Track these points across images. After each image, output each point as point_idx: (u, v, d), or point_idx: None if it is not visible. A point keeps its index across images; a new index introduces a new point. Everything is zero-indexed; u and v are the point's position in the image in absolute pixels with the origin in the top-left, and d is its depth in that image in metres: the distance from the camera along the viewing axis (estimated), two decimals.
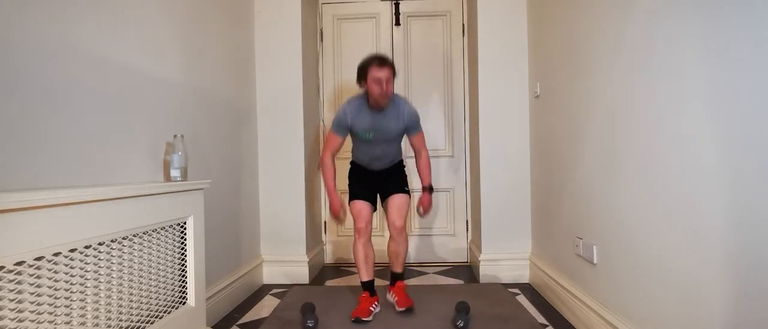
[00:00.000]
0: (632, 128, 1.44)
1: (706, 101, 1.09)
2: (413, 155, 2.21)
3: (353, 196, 2.11)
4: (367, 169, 2.16)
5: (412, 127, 2.07)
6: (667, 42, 1.24)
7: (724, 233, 1.04)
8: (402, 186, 2.14)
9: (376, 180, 2.17)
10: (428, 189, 2.14)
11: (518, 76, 2.63)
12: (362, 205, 2.08)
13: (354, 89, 3.15)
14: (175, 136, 1.59)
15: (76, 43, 1.23)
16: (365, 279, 2.08)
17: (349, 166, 2.26)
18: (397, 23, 3.15)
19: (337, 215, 2.09)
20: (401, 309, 2.05)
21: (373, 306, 2.03)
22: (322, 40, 3.19)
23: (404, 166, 2.27)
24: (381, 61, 1.88)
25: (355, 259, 2.08)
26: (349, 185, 2.19)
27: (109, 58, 1.37)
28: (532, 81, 2.53)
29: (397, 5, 3.15)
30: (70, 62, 1.21)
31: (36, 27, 1.10)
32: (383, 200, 2.17)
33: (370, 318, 1.97)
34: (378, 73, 1.85)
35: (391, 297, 2.17)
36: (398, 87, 3.14)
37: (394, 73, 1.93)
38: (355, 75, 1.96)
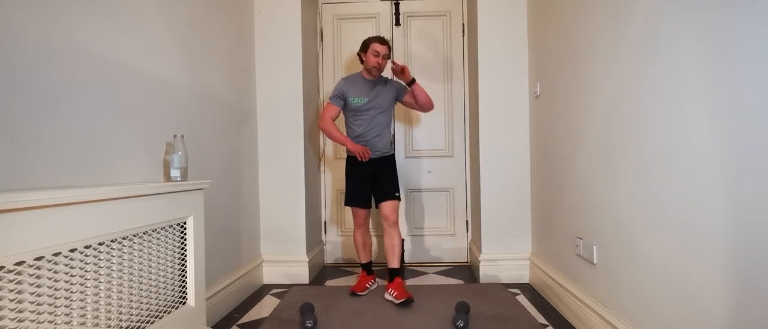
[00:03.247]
0: (632, 128, 1.44)
1: (706, 100, 1.09)
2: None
3: (349, 202, 2.40)
4: (362, 161, 2.32)
5: (402, 89, 2.44)
6: (666, 41, 1.24)
7: (724, 233, 1.04)
8: (393, 193, 2.36)
9: (371, 180, 2.38)
10: (410, 81, 2.34)
11: (518, 76, 2.63)
12: (358, 210, 2.41)
13: None
14: (175, 136, 1.59)
15: (76, 44, 1.23)
16: (363, 261, 2.48)
17: (345, 164, 2.45)
18: (397, 23, 3.15)
19: (360, 150, 2.31)
20: (399, 301, 2.12)
21: (369, 283, 2.41)
22: (322, 40, 3.19)
23: (395, 163, 2.49)
24: (382, 40, 2.32)
25: (355, 245, 2.47)
26: (346, 187, 2.43)
27: (110, 59, 1.37)
28: (532, 81, 2.53)
29: (397, 5, 3.15)
30: (70, 62, 1.21)
31: (36, 27, 1.10)
32: (377, 203, 2.38)
33: (365, 293, 2.34)
34: (378, 47, 2.29)
35: (390, 294, 2.20)
36: None
37: (389, 56, 2.35)
38: (359, 52, 2.38)
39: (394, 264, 2.29)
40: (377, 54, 2.28)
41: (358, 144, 2.32)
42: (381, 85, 2.39)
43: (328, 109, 2.37)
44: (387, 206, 2.32)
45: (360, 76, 2.39)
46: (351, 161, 2.41)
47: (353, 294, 2.31)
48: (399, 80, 2.41)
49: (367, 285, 2.39)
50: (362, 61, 2.38)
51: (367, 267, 2.47)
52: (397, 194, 2.36)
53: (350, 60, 3.17)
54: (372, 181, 2.38)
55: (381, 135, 2.38)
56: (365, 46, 2.33)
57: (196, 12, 1.95)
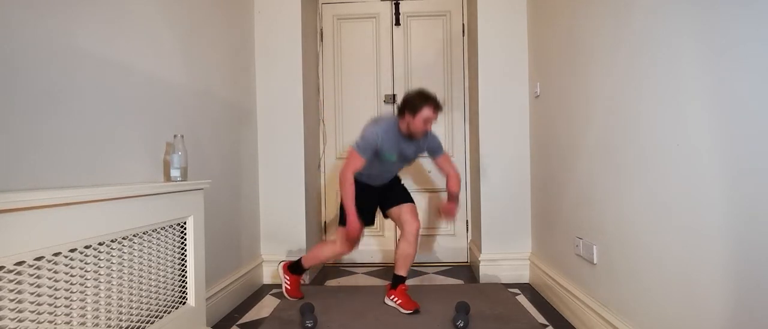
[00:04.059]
0: (632, 128, 1.44)
1: (706, 100, 1.09)
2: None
3: (345, 223, 2.11)
4: (370, 185, 2.18)
5: (436, 148, 2.17)
6: (666, 41, 1.24)
7: (725, 233, 1.04)
8: (409, 197, 2.23)
9: (376, 197, 2.22)
10: (455, 198, 2.16)
11: (518, 76, 2.63)
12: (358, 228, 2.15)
13: (353, 89, 3.16)
14: (175, 136, 1.59)
15: (76, 44, 1.23)
16: (307, 266, 2.30)
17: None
18: (397, 23, 3.15)
19: (355, 237, 2.10)
20: (409, 312, 2.02)
21: (302, 280, 2.39)
22: (322, 40, 3.19)
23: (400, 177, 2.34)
24: (437, 106, 1.96)
25: (320, 255, 2.23)
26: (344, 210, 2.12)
27: (110, 59, 1.37)
28: (532, 81, 2.53)
29: (397, 5, 3.15)
30: (70, 62, 1.21)
31: (36, 27, 1.10)
32: (389, 207, 2.21)
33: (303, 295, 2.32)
34: (430, 115, 1.94)
35: (392, 300, 2.11)
36: (399, 88, 3.15)
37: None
38: (402, 105, 1.99)
39: (403, 272, 2.14)
40: (428, 122, 1.95)
41: (357, 206, 2.06)
42: (415, 140, 2.09)
43: (354, 160, 2.00)
44: (407, 208, 2.15)
45: (396, 129, 2.03)
46: (357, 182, 2.09)
47: (299, 298, 2.26)
48: (434, 138, 2.15)
49: (302, 282, 2.36)
50: (401, 115, 2.00)
51: (302, 270, 2.31)
52: (411, 199, 2.23)
53: (350, 61, 3.17)
54: (378, 197, 2.22)
55: (393, 173, 2.22)
56: (414, 108, 1.93)
57: (196, 12, 1.95)
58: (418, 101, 1.93)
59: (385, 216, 2.28)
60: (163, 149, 1.67)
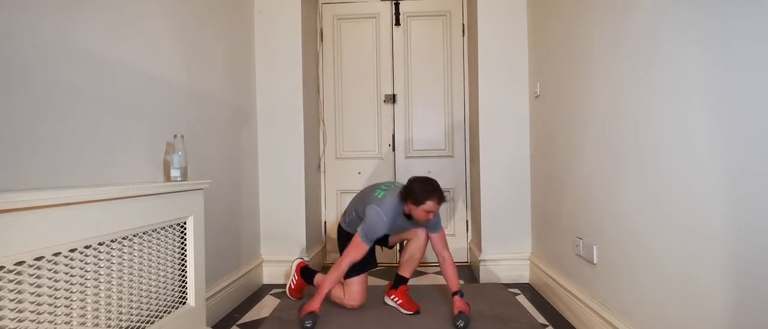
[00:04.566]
0: (632, 128, 1.44)
1: (706, 100, 1.09)
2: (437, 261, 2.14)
3: (351, 274, 2.06)
4: None
5: (434, 224, 2.07)
6: (666, 41, 1.24)
7: (724, 234, 1.04)
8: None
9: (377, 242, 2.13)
10: (460, 294, 1.99)
11: (518, 76, 2.63)
12: (361, 282, 2.09)
13: (353, 89, 3.16)
14: (175, 136, 1.59)
15: (76, 44, 1.23)
16: (316, 285, 2.19)
17: (341, 235, 2.20)
18: (397, 23, 3.15)
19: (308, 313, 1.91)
20: (409, 313, 2.04)
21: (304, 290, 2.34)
22: (322, 40, 3.19)
23: None
24: (441, 198, 1.92)
25: (328, 290, 1.93)
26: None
27: (110, 59, 1.37)
28: (532, 81, 2.53)
29: (397, 5, 3.15)
30: (70, 62, 1.21)
31: (35, 27, 1.10)
32: (389, 237, 2.18)
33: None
34: (433, 206, 1.90)
35: (393, 300, 2.12)
36: (399, 88, 3.15)
37: None
38: (406, 192, 1.93)
39: (407, 274, 2.16)
40: (430, 212, 1.92)
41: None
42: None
43: (358, 250, 1.94)
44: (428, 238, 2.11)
45: (400, 211, 2.00)
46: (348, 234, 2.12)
47: (298, 299, 2.26)
48: (437, 213, 2.04)
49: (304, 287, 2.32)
50: (405, 201, 1.94)
51: (311, 281, 2.26)
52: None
53: (350, 61, 3.17)
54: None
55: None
56: (418, 201, 1.89)
57: (196, 12, 1.95)
58: (422, 195, 1.89)
59: (390, 247, 2.25)
60: (163, 149, 1.67)
